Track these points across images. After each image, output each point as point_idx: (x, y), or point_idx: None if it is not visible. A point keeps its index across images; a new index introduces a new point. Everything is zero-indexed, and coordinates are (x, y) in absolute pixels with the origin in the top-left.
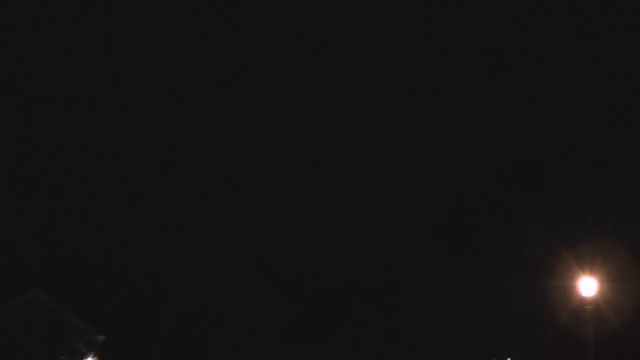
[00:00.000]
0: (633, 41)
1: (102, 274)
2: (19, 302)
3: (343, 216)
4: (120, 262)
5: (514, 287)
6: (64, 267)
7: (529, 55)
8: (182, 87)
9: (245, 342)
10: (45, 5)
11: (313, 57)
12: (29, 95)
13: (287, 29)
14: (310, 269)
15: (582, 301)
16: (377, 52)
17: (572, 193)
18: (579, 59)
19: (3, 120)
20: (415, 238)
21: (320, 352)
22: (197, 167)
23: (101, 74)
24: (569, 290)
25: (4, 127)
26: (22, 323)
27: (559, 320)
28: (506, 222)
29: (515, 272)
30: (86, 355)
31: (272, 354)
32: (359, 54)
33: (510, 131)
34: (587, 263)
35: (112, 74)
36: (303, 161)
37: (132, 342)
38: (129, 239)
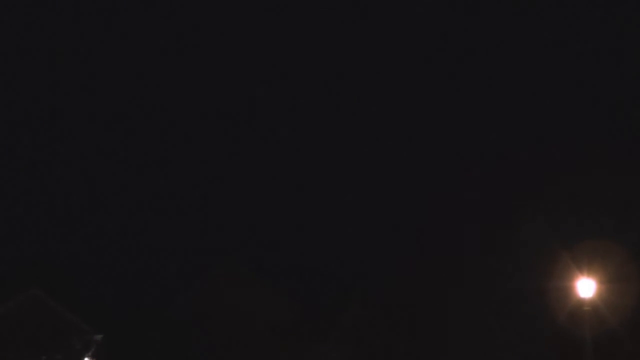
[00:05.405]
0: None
1: (100, 273)
2: (16, 301)
3: (344, 214)
4: (119, 261)
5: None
6: (63, 266)
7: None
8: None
9: (245, 342)
10: None
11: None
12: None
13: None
14: (310, 268)
15: (580, 302)
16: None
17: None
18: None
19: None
20: (413, 238)
21: (321, 352)
22: (197, 163)
23: None
24: (567, 291)
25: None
26: (20, 322)
27: (557, 321)
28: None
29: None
30: (83, 355)
31: (272, 354)
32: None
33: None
34: (585, 264)
35: None
36: (304, 160)
37: (130, 341)
38: (128, 237)
